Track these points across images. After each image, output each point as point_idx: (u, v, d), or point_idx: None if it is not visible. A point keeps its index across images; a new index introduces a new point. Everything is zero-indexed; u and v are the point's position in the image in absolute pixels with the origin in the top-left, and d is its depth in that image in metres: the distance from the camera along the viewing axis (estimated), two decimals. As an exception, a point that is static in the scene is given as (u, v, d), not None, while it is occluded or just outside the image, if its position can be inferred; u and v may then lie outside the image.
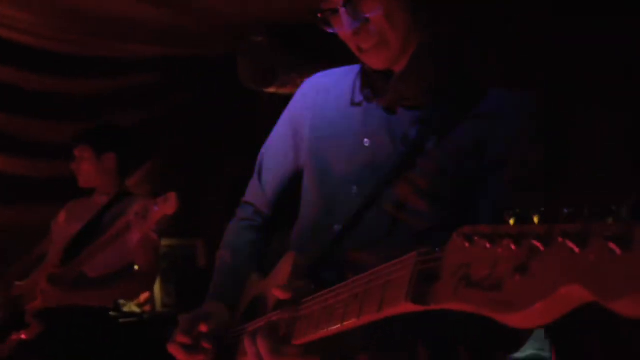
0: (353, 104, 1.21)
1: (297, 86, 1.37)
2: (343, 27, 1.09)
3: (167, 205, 2.16)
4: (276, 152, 1.33)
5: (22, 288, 2.59)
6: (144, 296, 4.04)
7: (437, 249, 0.72)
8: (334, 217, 1.15)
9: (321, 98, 1.26)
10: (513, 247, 0.56)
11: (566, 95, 2.55)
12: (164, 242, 4.09)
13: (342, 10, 1.08)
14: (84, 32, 3.23)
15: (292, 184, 1.31)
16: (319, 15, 1.12)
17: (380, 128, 1.14)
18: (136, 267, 2.69)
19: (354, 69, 1.25)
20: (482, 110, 1.09)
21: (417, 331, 1.03)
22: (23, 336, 2.45)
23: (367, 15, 1.07)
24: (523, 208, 0.58)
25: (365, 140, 1.15)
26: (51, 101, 3.44)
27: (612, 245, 0.45)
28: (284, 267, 1.13)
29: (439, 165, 1.08)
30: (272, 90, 3.37)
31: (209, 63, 3.79)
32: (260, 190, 1.36)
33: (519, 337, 1.08)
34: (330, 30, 1.13)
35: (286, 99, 1.37)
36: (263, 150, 1.38)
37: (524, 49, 2.69)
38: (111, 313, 2.86)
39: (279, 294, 1.03)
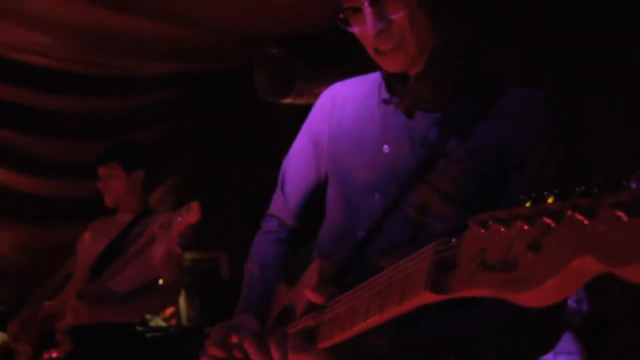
0: (385, 101, 1.20)
1: (313, 96, 1.38)
2: (366, 26, 1.09)
3: (190, 215, 2.18)
4: (298, 163, 1.34)
5: (51, 308, 2.63)
6: (169, 310, 4.07)
7: (454, 239, 0.73)
8: (357, 224, 1.15)
9: (339, 107, 1.26)
10: (526, 227, 0.57)
11: (582, 94, 2.54)
12: (188, 256, 4.13)
13: (368, 10, 1.08)
14: (100, 51, 3.29)
15: (316, 194, 1.31)
16: (341, 13, 1.12)
17: (399, 133, 1.14)
18: (160, 282, 2.71)
19: (371, 77, 1.26)
20: (501, 110, 1.09)
21: (445, 338, 1.03)
22: (54, 354, 2.48)
23: (392, 17, 1.08)
24: (539, 192, 0.59)
25: (385, 146, 1.15)
26: (70, 121, 3.51)
27: (619, 213, 0.46)
28: (311, 276, 1.13)
29: (460, 167, 1.07)
30: (289, 101, 3.40)
31: (224, 77, 3.84)
32: (284, 203, 1.36)
33: (550, 338, 1.07)
34: (349, 29, 1.13)
35: (303, 110, 1.38)
36: (285, 162, 1.38)
37: (538, 47, 2.69)
38: (138, 328, 2.89)
39: (312, 297, 1.02)
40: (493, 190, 1.07)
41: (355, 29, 1.13)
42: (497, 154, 1.07)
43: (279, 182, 1.38)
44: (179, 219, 2.19)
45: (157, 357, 2.95)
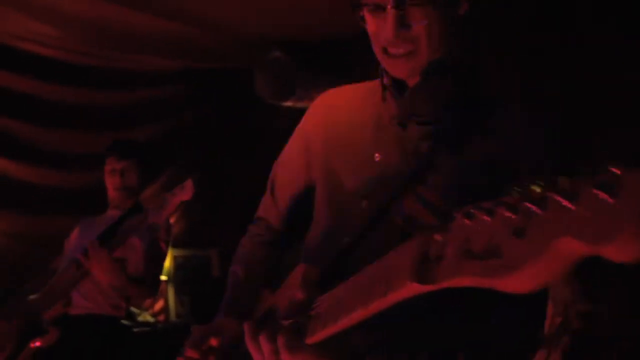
0: (383, 98, 1.19)
1: (313, 101, 1.38)
2: (384, 26, 1.09)
3: (184, 192, 2.19)
4: (289, 167, 1.34)
5: (36, 300, 2.62)
6: (158, 306, 4.06)
7: (440, 230, 0.73)
8: (344, 231, 1.15)
9: (333, 114, 1.26)
10: (510, 214, 0.57)
11: (580, 111, 2.54)
12: (179, 252, 4.14)
13: (391, 11, 1.07)
14: (106, 45, 3.32)
15: (305, 198, 1.30)
16: (364, 6, 1.11)
17: (391, 143, 1.15)
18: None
19: (367, 85, 1.26)
20: (494, 126, 1.09)
21: (418, 336, 1.03)
22: (38, 343, 2.48)
23: (413, 24, 1.08)
24: (524, 184, 0.59)
25: (376, 155, 1.15)
26: (73, 113, 3.53)
27: (601, 194, 0.47)
28: (295, 279, 1.12)
29: (450, 180, 1.08)
30: (289, 104, 3.41)
31: (226, 76, 3.86)
32: (273, 206, 1.36)
33: (523, 351, 1.08)
34: (364, 25, 1.13)
35: (303, 112, 1.38)
36: (275, 165, 1.38)
37: (538, 48, 2.69)
38: (125, 322, 2.88)
39: (300, 295, 1.02)
40: None
41: (371, 27, 1.12)
42: (489, 169, 1.07)
43: (269, 184, 1.38)
44: (174, 198, 2.19)
45: (142, 351, 2.94)
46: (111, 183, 2.77)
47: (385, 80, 1.18)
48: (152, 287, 2.75)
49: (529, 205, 0.54)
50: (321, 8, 2.85)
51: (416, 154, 1.11)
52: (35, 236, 3.46)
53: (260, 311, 1.23)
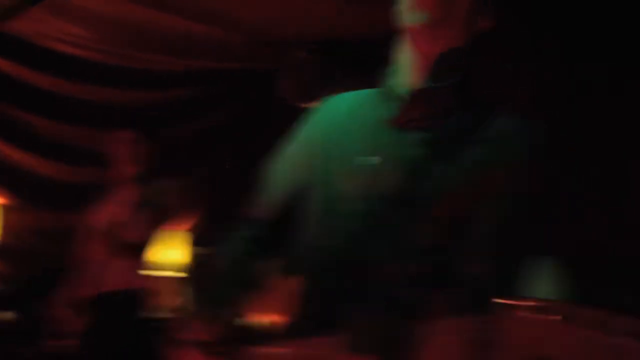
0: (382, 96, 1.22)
1: None
2: None
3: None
4: (284, 170, 1.35)
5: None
6: (176, 302, 4.09)
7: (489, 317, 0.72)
8: (337, 233, 1.16)
9: (334, 118, 1.28)
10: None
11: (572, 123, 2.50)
12: (200, 250, 4.15)
13: None
14: (134, 46, 3.36)
15: (296, 202, 1.31)
16: None
17: (387, 148, 1.16)
18: None
19: (369, 91, 1.28)
20: (488, 135, 1.11)
21: None
22: (82, 325, 2.58)
23: None
24: None
25: (372, 159, 1.17)
26: (100, 112, 3.58)
27: None
28: (278, 288, 1.16)
29: (443, 187, 1.09)
30: (314, 105, 3.39)
31: (252, 77, 3.85)
32: (263, 204, 1.37)
33: None
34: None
35: None
36: (272, 163, 1.38)
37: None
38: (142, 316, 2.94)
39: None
40: (473, 212, 1.09)
41: None
42: (480, 176, 1.09)
43: (263, 185, 1.38)
44: None
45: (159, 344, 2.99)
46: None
47: (387, 85, 1.20)
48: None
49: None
50: (346, 10, 2.85)
51: (412, 160, 1.12)
52: (54, 230, 3.52)
53: (241, 316, 1.23)
